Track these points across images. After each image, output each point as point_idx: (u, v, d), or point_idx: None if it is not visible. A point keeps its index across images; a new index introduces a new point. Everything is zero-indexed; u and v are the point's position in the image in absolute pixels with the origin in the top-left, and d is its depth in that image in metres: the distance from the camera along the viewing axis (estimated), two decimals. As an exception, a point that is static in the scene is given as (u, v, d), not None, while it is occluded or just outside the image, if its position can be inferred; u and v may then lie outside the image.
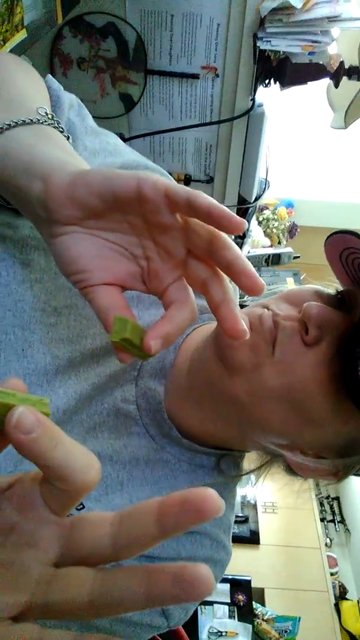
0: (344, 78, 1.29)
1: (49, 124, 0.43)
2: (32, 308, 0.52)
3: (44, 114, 0.44)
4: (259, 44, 1.17)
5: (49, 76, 0.55)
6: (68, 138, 0.45)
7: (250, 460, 0.63)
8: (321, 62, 1.25)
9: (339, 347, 0.48)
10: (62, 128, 0.44)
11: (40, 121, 0.42)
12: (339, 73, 1.28)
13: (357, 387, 0.44)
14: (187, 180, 1.47)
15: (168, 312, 0.38)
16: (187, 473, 0.57)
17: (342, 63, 1.28)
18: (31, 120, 0.41)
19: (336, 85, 1.31)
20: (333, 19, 1.16)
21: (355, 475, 0.55)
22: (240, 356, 0.49)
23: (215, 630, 2.39)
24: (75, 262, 0.37)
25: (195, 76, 1.28)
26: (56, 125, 0.44)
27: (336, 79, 1.29)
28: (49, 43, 1.23)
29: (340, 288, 0.54)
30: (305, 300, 0.50)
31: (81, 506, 0.53)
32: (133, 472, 0.56)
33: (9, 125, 0.40)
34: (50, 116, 0.44)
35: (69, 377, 0.53)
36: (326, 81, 1.33)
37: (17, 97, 0.46)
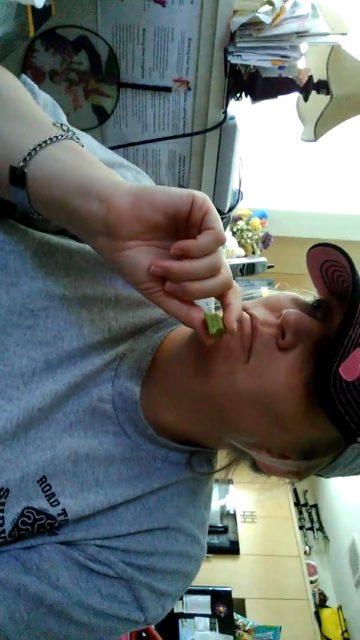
0: (313, 92, 1.32)
1: (69, 138, 0.46)
2: (8, 311, 0.53)
3: (59, 126, 0.47)
4: (229, 58, 1.19)
5: (24, 76, 0.57)
6: (83, 145, 0.48)
7: (220, 457, 0.64)
8: (291, 77, 1.28)
9: (312, 354, 0.49)
10: (77, 138, 0.47)
11: (64, 136, 0.45)
12: (308, 87, 1.31)
13: (328, 395, 0.46)
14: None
15: (226, 299, 0.46)
16: (161, 470, 0.59)
17: (311, 77, 1.31)
18: (56, 137, 0.45)
19: (305, 99, 1.34)
20: (302, 35, 1.19)
21: (317, 475, 0.56)
22: (216, 360, 0.51)
23: (196, 643, 2.37)
24: (147, 274, 0.43)
25: (167, 89, 1.29)
26: (72, 136, 0.47)
27: (305, 93, 1.32)
28: (21, 56, 1.23)
29: (317, 296, 0.56)
30: (284, 307, 0.53)
31: (56, 502, 0.53)
32: (109, 470, 0.57)
33: (41, 145, 0.44)
34: (65, 128, 0.47)
35: (46, 379, 0.54)
36: (296, 95, 1.36)
37: (26, 110, 0.48)
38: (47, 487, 0.54)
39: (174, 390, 0.56)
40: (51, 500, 0.54)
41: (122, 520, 0.57)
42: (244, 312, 0.52)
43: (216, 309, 0.51)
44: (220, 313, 0.47)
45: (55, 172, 0.43)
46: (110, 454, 0.57)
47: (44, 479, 0.54)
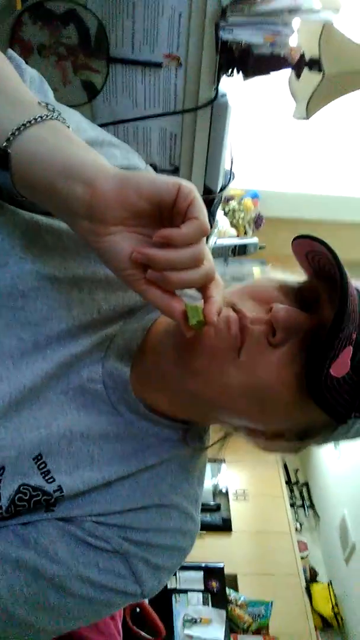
0: (305, 69, 1.31)
1: (55, 118, 0.45)
2: None
3: (44, 106, 0.46)
4: (221, 34, 1.17)
5: (10, 51, 0.56)
6: (68, 126, 0.47)
7: (214, 431, 0.65)
8: (282, 53, 1.27)
9: (302, 347, 0.50)
10: (63, 119, 0.46)
11: (49, 117, 0.45)
12: (300, 64, 1.30)
13: (320, 393, 0.47)
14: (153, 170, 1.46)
15: (207, 292, 0.46)
16: (154, 447, 0.59)
17: (303, 55, 1.30)
18: (41, 117, 0.44)
19: (297, 77, 1.33)
20: (294, 11, 1.17)
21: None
22: (201, 360, 0.51)
23: (189, 618, 2.42)
24: (128, 261, 0.43)
25: (158, 65, 1.27)
26: (57, 117, 0.46)
27: (297, 70, 1.31)
28: (8, 30, 1.21)
29: (302, 277, 0.57)
30: (271, 297, 0.53)
31: (52, 479, 0.54)
32: (103, 447, 0.58)
33: (25, 125, 0.43)
34: (51, 108, 0.46)
35: (35, 359, 0.55)
36: (288, 72, 1.35)
37: (11, 89, 0.47)
38: (43, 465, 0.55)
39: (164, 375, 0.57)
40: (47, 477, 0.55)
41: (118, 497, 0.58)
42: (231, 310, 0.52)
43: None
44: (200, 304, 0.47)
45: (39, 153, 0.42)
46: (104, 432, 0.58)
47: (39, 457, 0.55)
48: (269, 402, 0.51)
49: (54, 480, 0.55)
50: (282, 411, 0.52)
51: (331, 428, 0.53)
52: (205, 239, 0.44)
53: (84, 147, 0.46)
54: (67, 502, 0.56)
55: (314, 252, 0.52)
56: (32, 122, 0.43)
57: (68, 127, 0.47)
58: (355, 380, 0.48)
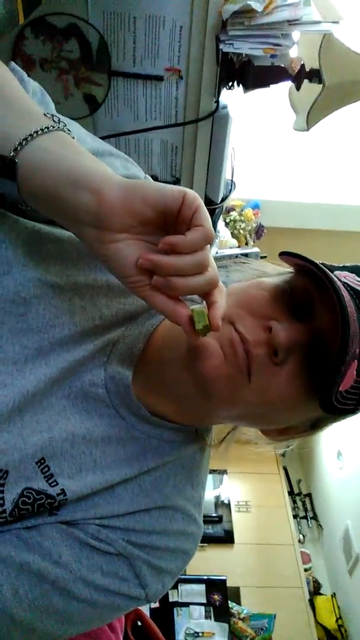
0: (305, 81, 1.32)
1: (60, 129, 0.46)
2: (1, 300, 0.54)
3: (50, 117, 0.47)
4: (221, 46, 1.18)
5: (13, 64, 0.57)
6: (73, 137, 0.48)
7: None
8: (283, 65, 1.28)
9: (304, 361, 0.52)
10: (68, 130, 0.48)
11: (55, 127, 0.46)
12: (300, 76, 1.31)
13: (333, 409, 0.49)
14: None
15: (212, 297, 0.46)
16: (156, 449, 0.60)
17: (303, 66, 1.31)
18: (47, 128, 0.45)
19: (298, 88, 1.34)
20: (293, 23, 1.18)
21: None
22: (219, 387, 0.53)
23: (192, 632, 2.39)
24: (134, 267, 0.44)
25: (159, 78, 1.28)
26: (63, 127, 0.47)
27: (297, 82, 1.32)
28: (10, 44, 1.22)
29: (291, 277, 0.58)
30: (267, 310, 0.54)
31: (55, 483, 0.54)
32: (105, 451, 0.58)
33: (32, 135, 0.44)
34: (56, 119, 0.47)
35: (39, 365, 0.55)
36: (288, 84, 1.35)
37: (17, 99, 0.48)
38: (46, 469, 0.55)
39: (169, 383, 0.57)
40: (50, 481, 0.55)
41: (121, 500, 0.58)
42: (232, 329, 0.52)
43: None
44: (205, 309, 0.47)
45: (46, 162, 0.43)
46: (106, 435, 0.58)
47: (42, 461, 0.55)
48: (281, 414, 0.55)
49: (57, 484, 0.55)
50: (292, 416, 0.56)
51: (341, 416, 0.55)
52: (209, 246, 0.45)
53: (90, 157, 0.46)
54: (70, 506, 0.56)
55: (302, 264, 0.54)
56: (39, 132, 0.44)
57: (73, 137, 0.47)
58: (359, 381, 0.50)
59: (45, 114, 0.47)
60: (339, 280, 0.52)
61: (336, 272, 0.54)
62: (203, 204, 0.44)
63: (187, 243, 0.42)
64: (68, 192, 0.43)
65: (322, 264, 0.52)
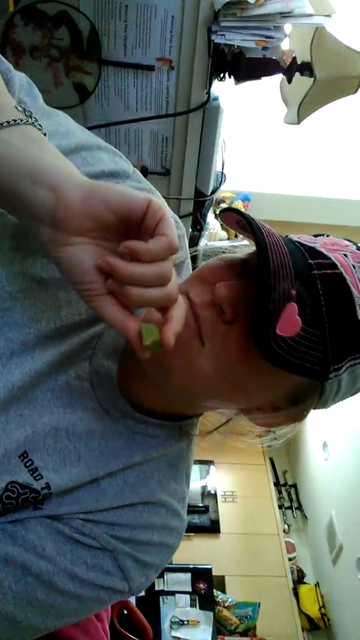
0: (297, 74, 1.32)
1: (30, 123, 0.44)
2: None
3: (22, 110, 0.45)
4: (213, 37, 1.18)
5: None
6: (45, 134, 0.46)
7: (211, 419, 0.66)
8: (274, 58, 1.27)
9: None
10: (40, 125, 0.46)
11: (23, 121, 0.44)
12: (292, 69, 1.31)
13: (280, 358, 0.46)
14: (144, 173, 1.46)
15: (168, 313, 0.43)
16: (140, 443, 0.60)
17: (294, 59, 1.31)
18: (15, 121, 0.43)
19: (289, 81, 1.34)
20: (286, 15, 1.18)
21: (315, 409, 0.58)
22: (170, 358, 0.51)
23: (177, 620, 2.41)
24: (87, 274, 0.41)
25: (150, 68, 1.27)
26: (34, 122, 0.45)
27: (289, 75, 1.32)
28: (0, 31, 1.20)
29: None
30: (217, 276, 0.52)
31: (40, 476, 0.54)
32: (89, 444, 0.58)
33: None
34: (28, 113, 0.45)
35: (24, 359, 0.55)
36: (279, 76, 1.35)
37: None
38: (30, 462, 0.55)
39: (146, 373, 0.57)
40: (34, 475, 0.55)
41: (105, 495, 0.58)
42: (186, 298, 0.51)
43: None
44: (156, 324, 0.44)
45: (7, 155, 0.41)
46: (90, 429, 0.58)
47: (25, 454, 0.55)
48: (246, 380, 0.51)
49: (42, 477, 0.55)
50: (262, 385, 0.52)
51: (318, 388, 0.52)
52: (172, 257, 0.43)
53: (56, 154, 0.45)
54: (54, 500, 0.56)
55: (240, 221, 0.52)
56: (5, 124, 0.42)
57: (44, 134, 0.46)
58: (317, 333, 0.47)
59: (16, 107, 0.45)
60: (292, 240, 0.52)
61: (292, 235, 0.54)
62: (168, 213, 0.42)
63: (148, 251, 0.40)
64: (25, 187, 0.41)
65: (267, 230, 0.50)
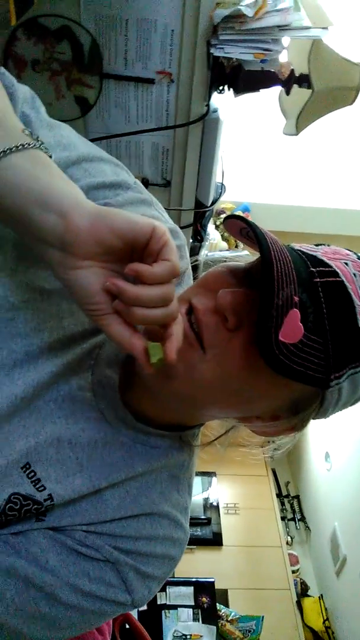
0: (295, 86, 1.33)
1: (37, 147, 0.45)
2: None
3: (28, 134, 0.46)
4: (212, 50, 1.19)
5: (2, 68, 0.56)
6: (51, 157, 0.47)
7: (212, 429, 0.66)
8: (272, 70, 1.29)
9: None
10: (46, 148, 0.47)
11: (31, 145, 0.45)
12: (290, 81, 1.32)
13: (281, 364, 0.46)
14: (145, 184, 1.47)
15: (169, 330, 0.46)
16: (143, 454, 0.60)
17: (292, 71, 1.32)
18: (23, 145, 0.44)
19: (287, 93, 1.35)
20: (284, 28, 1.20)
21: (315, 419, 0.58)
22: (171, 366, 0.50)
23: (179, 634, 2.38)
24: (95, 295, 0.43)
25: (150, 81, 1.29)
26: (40, 146, 0.46)
27: (287, 87, 1.33)
28: (2, 45, 1.22)
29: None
30: (221, 283, 0.53)
31: (42, 488, 0.54)
32: (92, 455, 0.58)
33: (4, 152, 0.43)
34: (35, 137, 0.46)
35: (27, 370, 0.55)
36: (278, 88, 1.37)
37: None
38: (32, 474, 0.55)
39: (146, 381, 0.57)
40: (37, 486, 0.55)
41: (108, 506, 0.58)
42: (188, 305, 0.52)
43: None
44: (159, 344, 0.46)
45: (17, 180, 0.43)
46: (92, 440, 0.58)
47: (27, 466, 0.55)
48: (248, 388, 0.51)
49: (45, 489, 0.55)
50: (263, 394, 0.52)
51: (319, 396, 0.52)
52: (174, 280, 0.45)
53: (64, 179, 0.46)
54: (57, 511, 0.56)
55: (244, 229, 0.53)
56: (13, 149, 0.43)
57: (50, 156, 0.47)
58: (318, 341, 0.48)
59: (23, 130, 0.46)
60: (294, 248, 0.52)
61: (293, 245, 0.54)
62: (171, 238, 0.44)
63: (152, 275, 0.42)
64: (35, 212, 0.42)
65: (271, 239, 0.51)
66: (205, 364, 0.51)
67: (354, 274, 0.51)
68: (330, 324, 0.48)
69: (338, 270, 0.51)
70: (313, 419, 0.57)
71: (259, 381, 0.51)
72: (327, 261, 0.52)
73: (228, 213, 2.27)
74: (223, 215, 2.25)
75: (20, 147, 0.44)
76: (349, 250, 0.55)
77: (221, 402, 0.54)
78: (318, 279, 0.50)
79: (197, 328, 0.51)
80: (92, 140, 1.38)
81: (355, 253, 0.55)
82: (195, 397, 0.53)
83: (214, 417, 0.62)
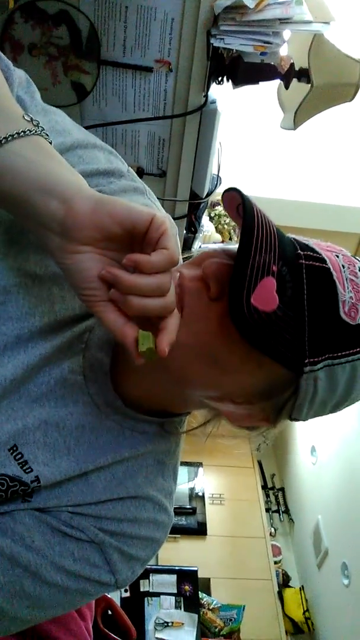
0: (294, 80, 1.33)
1: (38, 133, 0.46)
2: None
3: (29, 120, 0.46)
4: (212, 41, 1.18)
5: None
6: (51, 143, 0.47)
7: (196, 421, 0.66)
8: (272, 63, 1.28)
9: None
10: (46, 134, 0.47)
11: (32, 131, 0.45)
12: (290, 75, 1.31)
13: (249, 328, 0.47)
14: (140, 173, 1.46)
15: (164, 322, 0.45)
16: (129, 439, 0.61)
17: (292, 65, 1.31)
18: (24, 132, 0.44)
19: (286, 87, 1.34)
20: (285, 21, 1.19)
21: (291, 420, 0.57)
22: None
23: (161, 621, 2.41)
24: (92, 281, 0.44)
25: (148, 69, 1.28)
26: (41, 132, 0.46)
27: (286, 81, 1.32)
28: (-1, 27, 1.20)
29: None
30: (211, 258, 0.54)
31: (29, 469, 0.55)
32: (79, 439, 0.59)
33: (6, 139, 0.43)
34: (35, 123, 0.47)
35: (17, 352, 0.56)
36: (277, 82, 1.36)
37: None
38: (19, 455, 0.56)
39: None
40: (24, 468, 0.56)
41: (94, 488, 0.59)
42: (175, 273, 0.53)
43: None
44: (151, 334, 0.46)
45: (18, 166, 0.43)
46: (80, 423, 0.59)
47: (15, 448, 0.56)
48: (220, 358, 0.52)
49: (32, 470, 0.56)
50: (236, 367, 0.52)
51: (293, 384, 0.52)
52: (172, 270, 0.45)
53: (64, 165, 0.46)
54: (43, 493, 0.57)
55: (240, 205, 0.53)
56: (15, 136, 0.44)
57: (50, 142, 0.47)
58: (294, 318, 0.48)
59: (24, 116, 0.46)
60: (285, 234, 0.53)
61: (291, 235, 0.55)
62: (170, 227, 0.44)
63: (150, 264, 0.43)
64: (37, 197, 0.43)
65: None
66: (181, 327, 0.49)
67: (343, 265, 0.51)
68: (309, 306, 0.49)
69: (326, 258, 0.51)
70: (290, 418, 0.57)
71: (232, 352, 0.51)
72: (318, 249, 0.52)
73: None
74: (218, 207, 2.25)
75: (22, 133, 0.44)
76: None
77: (196, 372, 0.54)
78: (303, 261, 0.50)
79: (179, 292, 0.52)
80: (88, 128, 1.37)
81: (354, 257, 0.55)
82: (171, 364, 0.53)
83: (195, 399, 0.61)
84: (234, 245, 0.52)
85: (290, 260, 0.50)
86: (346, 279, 0.50)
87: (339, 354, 0.50)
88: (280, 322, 0.47)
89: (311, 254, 0.51)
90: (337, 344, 0.50)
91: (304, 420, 0.58)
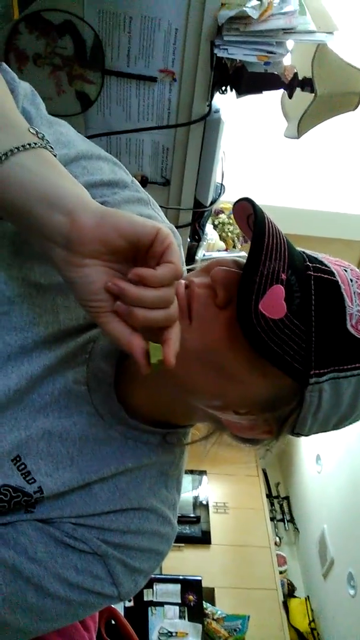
0: (298, 89, 1.33)
1: (43, 146, 0.46)
2: None
3: (34, 133, 0.47)
4: (216, 51, 1.19)
5: (3, 65, 0.56)
6: (55, 155, 0.48)
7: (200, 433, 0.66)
8: (276, 73, 1.29)
9: None
10: (51, 147, 0.47)
11: (37, 144, 0.45)
12: (293, 84, 1.32)
13: (256, 336, 0.47)
14: (144, 182, 1.47)
15: (167, 334, 0.45)
16: (133, 450, 0.61)
17: (296, 74, 1.32)
18: (29, 145, 0.45)
19: (290, 96, 1.35)
20: (288, 31, 1.19)
21: (293, 435, 0.57)
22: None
23: (165, 631, 2.39)
24: (98, 293, 0.44)
25: (152, 79, 1.28)
26: (46, 145, 0.47)
27: (290, 90, 1.33)
28: (4, 38, 1.21)
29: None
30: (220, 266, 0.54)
31: (33, 480, 0.54)
32: (83, 449, 0.59)
33: (12, 151, 0.43)
34: (40, 136, 0.47)
35: (21, 363, 0.56)
36: (280, 91, 1.36)
37: (2, 113, 0.47)
38: (22, 466, 0.56)
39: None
40: (27, 478, 0.56)
41: (97, 500, 0.59)
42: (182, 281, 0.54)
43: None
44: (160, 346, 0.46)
45: (23, 179, 0.43)
46: (83, 434, 0.59)
47: (18, 458, 0.56)
48: (226, 366, 0.52)
49: (34, 481, 0.56)
50: (242, 374, 0.52)
51: (298, 395, 0.52)
52: (176, 282, 0.45)
53: (69, 178, 0.46)
54: (46, 504, 0.57)
55: (251, 215, 0.53)
56: (21, 149, 0.44)
57: (55, 155, 0.48)
58: (301, 328, 0.48)
59: (29, 129, 0.46)
60: (304, 254, 0.53)
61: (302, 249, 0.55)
62: (175, 241, 0.44)
63: (155, 277, 0.43)
64: (41, 211, 0.43)
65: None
66: (189, 334, 0.51)
67: (351, 279, 0.52)
68: (317, 316, 0.49)
69: (335, 271, 0.52)
70: (293, 432, 0.57)
71: (238, 360, 0.51)
72: (326, 263, 0.53)
73: (227, 214, 2.26)
74: (222, 215, 2.25)
75: (27, 146, 0.44)
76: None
77: (201, 380, 0.54)
78: (312, 273, 0.51)
79: (188, 299, 0.52)
80: (92, 137, 1.38)
81: None
82: (179, 371, 0.51)
83: (199, 409, 0.60)
84: (243, 256, 0.52)
85: (300, 270, 0.50)
86: (354, 293, 0.51)
87: (345, 367, 0.50)
88: (287, 330, 0.48)
89: (320, 266, 0.52)
90: (343, 356, 0.50)
91: (306, 435, 0.58)
